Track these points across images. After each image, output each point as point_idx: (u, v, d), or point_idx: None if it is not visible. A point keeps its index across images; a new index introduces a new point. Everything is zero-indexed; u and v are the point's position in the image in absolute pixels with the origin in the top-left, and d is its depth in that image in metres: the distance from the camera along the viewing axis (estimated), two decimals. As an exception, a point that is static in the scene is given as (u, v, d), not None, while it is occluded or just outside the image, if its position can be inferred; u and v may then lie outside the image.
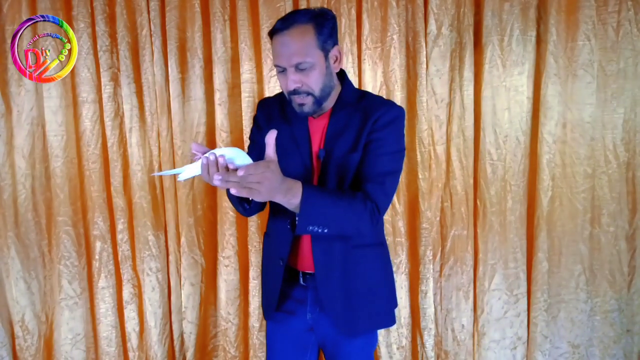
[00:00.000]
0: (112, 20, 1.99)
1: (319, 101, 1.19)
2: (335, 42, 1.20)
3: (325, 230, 1.11)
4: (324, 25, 1.15)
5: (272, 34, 1.17)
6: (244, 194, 0.96)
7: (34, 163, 2.07)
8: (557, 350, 2.07)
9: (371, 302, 1.31)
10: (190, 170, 1.03)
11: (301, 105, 1.19)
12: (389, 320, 1.37)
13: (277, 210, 1.31)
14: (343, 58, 1.32)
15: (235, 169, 0.98)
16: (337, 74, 1.26)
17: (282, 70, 1.17)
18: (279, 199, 1.04)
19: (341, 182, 1.21)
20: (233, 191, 0.95)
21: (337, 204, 1.12)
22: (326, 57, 1.17)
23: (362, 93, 1.30)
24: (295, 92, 1.16)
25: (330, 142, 1.22)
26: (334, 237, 1.22)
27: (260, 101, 1.38)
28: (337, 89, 1.26)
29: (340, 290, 1.26)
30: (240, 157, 0.99)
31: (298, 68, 1.14)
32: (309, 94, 1.17)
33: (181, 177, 1.05)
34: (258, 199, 0.99)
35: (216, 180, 0.95)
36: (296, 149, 1.25)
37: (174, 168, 2.05)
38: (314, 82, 1.16)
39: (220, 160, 0.97)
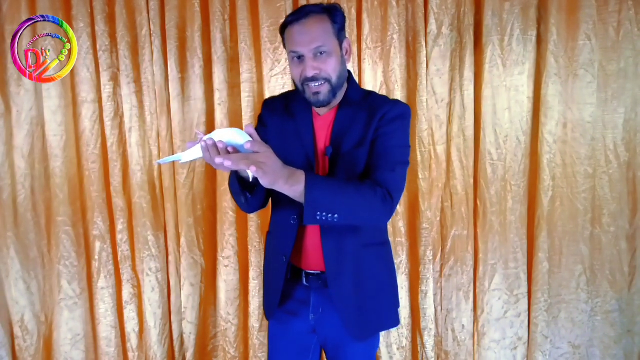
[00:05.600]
0: (111, 19, 1.99)
1: (334, 90, 1.20)
2: (345, 35, 1.23)
3: (336, 217, 1.07)
4: (337, 16, 1.19)
5: (285, 26, 1.19)
6: (253, 169, 0.93)
7: (33, 163, 2.07)
8: (558, 351, 2.06)
9: (379, 302, 1.31)
10: (192, 153, 1.03)
11: (316, 93, 1.19)
12: (395, 320, 1.37)
13: (279, 204, 1.31)
14: (352, 51, 1.33)
15: (235, 151, 0.98)
16: None
17: (298, 58, 1.17)
18: (281, 185, 1.01)
19: (349, 179, 1.21)
20: (253, 169, 0.93)
21: (344, 189, 1.10)
22: (340, 47, 1.20)
23: (367, 92, 1.31)
24: (313, 78, 1.17)
25: (337, 138, 1.22)
26: (346, 232, 1.22)
27: (265, 100, 1.38)
28: (344, 87, 1.27)
29: (352, 290, 1.25)
30: (240, 137, 0.99)
31: (317, 54, 1.15)
32: (326, 80, 1.17)
33: (183, 160, 1.05)
34: (264, 180, 0.97)
35: (218, 163, 0.95)
36: (300, 145, 1.25)
37: (174, 169, 2.06)
38: (332, 68, 1.18)
39: (220, 145, 0.97)
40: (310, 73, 1.16)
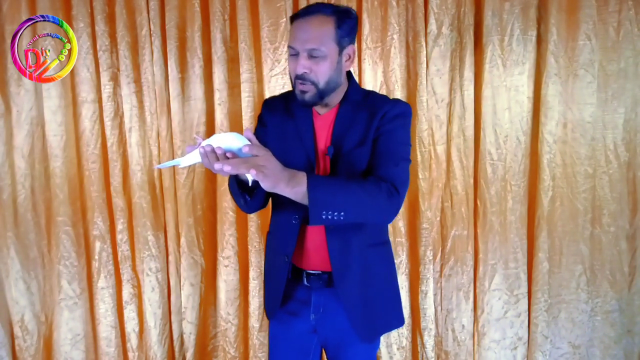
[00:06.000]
0: (111, 19, 1.99)
1: (321, 93, 1.19)
2: (351, 41, 1.21)
3: (342, 215, 1.06)
4: (345, 22, 1.17)
5: (293, 19, 1.19)
6: (253, 172, 0.94)
7: (33, 163, 2.07)
8: (558, 351, 2.06)
9: (385, 302, 1.31)
10: (191, 158, 1.04)
11: (303, 92, 1.18)
12: (400, 320, 1.36)
13: (280, 205, 1.31)
14: (355, 58, 1.33)
15: (234, 156, 0.98)
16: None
17: (294, 54, 1.18)
18: (282, 188, 1.01)
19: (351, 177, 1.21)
20: (253, 172, 0.94)
21: (346, 187, 1.09)
22: (340, 52, 1.19)
23: (367, 91, 1.31)
24: (302, 77, 1.17)
25: (338, 138, 1.22)
26: (350, 231, 1.21)
27: (265, 100, 1.38)
28: (344, 87, 1.27)
29: (358, 290, 1.25)
30: (239, 142, 0.99)
31: (311, 55, 1.15)
32: (313, 83, 1.17)
33: (182, 165, 1.06)
34: (264, 183, 0.97)
35: (217, 169, 0.95)
36: (300, 145, 1.24)
37: (174, 169, 2.06)
38: (322, 72, 1.17)
39: (219, 151, 0.97)
40: (299, 70, 1.16)
